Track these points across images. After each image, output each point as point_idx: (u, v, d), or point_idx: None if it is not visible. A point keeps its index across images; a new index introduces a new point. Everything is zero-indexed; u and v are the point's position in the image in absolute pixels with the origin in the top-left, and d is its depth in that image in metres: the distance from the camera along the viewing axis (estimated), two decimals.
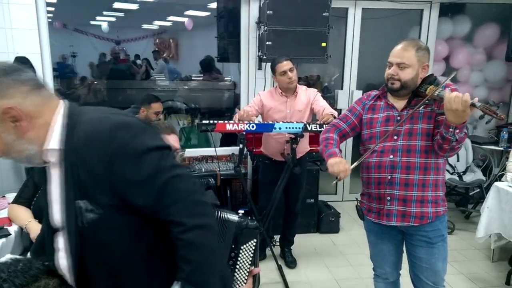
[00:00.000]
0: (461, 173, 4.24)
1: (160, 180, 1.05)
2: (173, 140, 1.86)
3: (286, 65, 3.00)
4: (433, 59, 4.63)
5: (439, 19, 4.67)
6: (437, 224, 2.02)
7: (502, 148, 4.36)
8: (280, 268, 3.23)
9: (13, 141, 1.07)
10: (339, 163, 1.91)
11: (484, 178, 4.27)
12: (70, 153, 1.07)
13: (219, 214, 1.69)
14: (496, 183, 3.16)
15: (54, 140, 1.09)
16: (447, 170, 4.11)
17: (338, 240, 3.91)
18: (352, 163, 2.00)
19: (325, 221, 4.00)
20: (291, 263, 3.41)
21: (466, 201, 4.47)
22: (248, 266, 1.72)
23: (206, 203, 1.14)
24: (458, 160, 4.31)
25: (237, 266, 1.70)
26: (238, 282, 1.72)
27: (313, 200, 3.97)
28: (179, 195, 1.08)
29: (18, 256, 1.17)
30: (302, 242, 3.71)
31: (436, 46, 4.73)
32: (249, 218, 1.72)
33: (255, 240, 1.71)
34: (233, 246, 1.68)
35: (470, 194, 4.47)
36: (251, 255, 1.71)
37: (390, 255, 2.19)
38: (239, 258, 1.69)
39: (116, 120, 1.09)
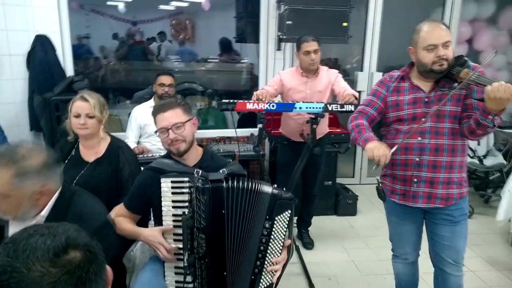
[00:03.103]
0: (482, 157, 4.18)
1: None
2: (166, 116, 1.83)
3: (311, 45, 2.96)
4: (456, 41, 4.52)
5: (463, 0, 4.54)
6: (461, 203, 2.02)
7: None
8: (297, 249, 3.25)
9: (26, 208, 1.43)
10: (379, 147, 1.84)
11: (505, 162, 4.20)
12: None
13: (254, 185, 1.71)
14: None
15: (46, 209, 1.48)
16: (467, 154, 4.05)
17: (355, 222, 3.90)
18: None
19: (342, 203, 3.99)
20: (309, 244, 3.42)
21: (485, 185, 4.41)
22: (283, 237, 1.74)
23: None
24: (478, 144, 4.24)
25: (272, 237, 1.72)
26: (273, 253, 1.73)
27: (330, 182, 3.96)
28: None
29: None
30: (320, 224, 3.71)
31: (460, 28, 4.61)
32: (283, 189, 1.73)
33: (289, 211, 1.73)
34: (267, 217, 1.71)
35: (490, 178, 4.40)
36: (286, 226, 1.73)
37: (411, 236, 2.18)
38: (273, 229, 1.72)
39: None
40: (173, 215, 1.77)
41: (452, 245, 2.03)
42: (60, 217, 1.46)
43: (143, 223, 2.06)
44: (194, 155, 1.93)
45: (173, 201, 1.77)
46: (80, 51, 7.50)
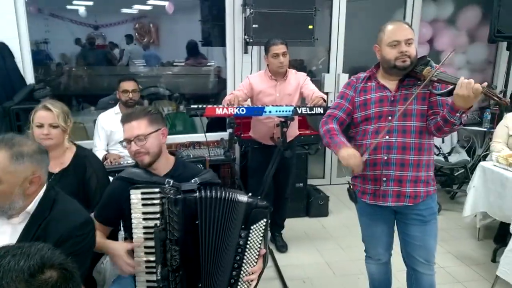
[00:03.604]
0: (447, 154, 4.30)
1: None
2: (130, 127, 1.77)
3: (280, 48, 2.96)
4: (418, 41, 4.64)
5: (423, 2, 4.69)
6: (430, 202, 2.06)
7: (485, 129, 4.44)
8: (271, 253, 3.24)
9: (16, 195, 1.45)
10: (353, 156, 1.86)
11: (468, 159, 4.36)
12: (40, 219, 1.49)
13: (228, 194, 1.69)
14: (482, 163, 3.22)
15: (32, 206, 1.50)
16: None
17: (327, 223, 3.93)
18: None
19: (314, 204, 4.02)
20: (282, 247, 3.42)
21: (451, 181, 4.55)
22: (259, 246, 1.72)
23: None
24: (443, 142, 4.37)
25: (247, 247, 1.70)
26: (249, 262, 1.71)
27: (302, 184, 3.98)
28: None
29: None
30: (292, 226, 3.72)
31: (421, 29, 4.75)
32: (259, 198, 1.71)
33: (265, 220, 1.71)
34: (243, 226, 1.69)
35: (455, 174, 4.55)
36: (261, 235, 1.72)
37: (383, 236, 2.21)
38: (249, 239, 1.70)
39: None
40: (144, 227, 1.72)
41: (423, 245, 2.07)
42: (45, 213, 1.51)
43: (112, 235, 1.99)
44: (165, 164, 1.87)
45: (143, 213, 1.71)
46: (39, 57, 7.24)
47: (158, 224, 1.67)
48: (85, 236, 1.55)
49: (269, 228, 3.43)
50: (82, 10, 8.27)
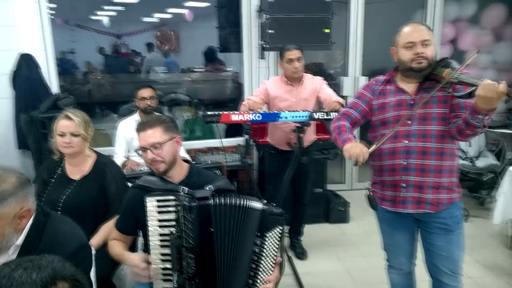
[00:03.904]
0: (474, 158, 4.16)
1: None
2: (145, 135, 1.79)
3: (294, 54, 2.95)
4: (440, 42, 4.53)
5: (444, 1, 4.57)
6: (455, 211, 1.98)
7: None
8: (290, 260, 3.20)
9: (9, 234, 1.39)
10: (355, 146, 1.85)
11: (497, 163, 4.19)
12: (30, 251, 1.42)
13: (242, 201, 1.67)
14: (511, 168, 3.09)
15: (21, 238, 1.44)
16: (459, 156, 4.05)
17: (348, 230, 3.86)
18: None
19: (334, 210, 3.95)
20: (301, 254, 3.37)
21: (479, 187, 4.38)
22: (275, 254, 1.69)
23: None
24: (470, 145, 4.22)
25: (263, 254, 1.68)
26: (265, 270, 1.69)
27: (321, 189, 3.93)
28: None
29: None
30: (312, 232, 3.67)
31: (442, 29, 4.63)
32: (274, 205, 1.69)
33: (280, 228, 1.69)
34: (258, 234, 1.66)
35: (484, 179, 4.37)
36: (277, 243, 1.69)
37: (405, 245, 2.14)
38: (265, 246, 1.68)
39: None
40: (160, 234, 1.72)
41: (448, 255, 1.99)
42: (34, 244, 1.45)
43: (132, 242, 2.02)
44: (179, 172, 1.88)
45: (159, 220, 1.72)
46: (66, 66, 7.47)
47: (173, 232, 1.67)
48: (79, 263, 1.51)
49: (286, 235, 3.45)
50: (105, 20, 8.51)
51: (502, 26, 4.76)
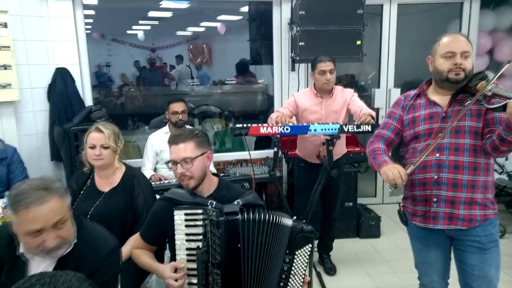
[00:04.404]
0: (510, 173, 4.00)
1: None
2: (177, 149, 1.79)
3: (327, 65, 2.94)
4: (476, 53, 4.40)
5: (480, 11, 4.44)
6: (489, 228, 1.90)
7: None
8: (319, 275, 3.15)
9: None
10: (391, 168, 1.80)
11: None
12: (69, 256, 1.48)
13: (271, 216, 1.65)
14: None
15: None
16: (495, 170, 3.89)
17: (379, 245, 3.76)
18: None
19: (365, 225, 3.87)
20: (331, 270, 3.31)
21: None
22: (303, 272, 1.66)
23: None
24: (506, 159, 4.07)
25: (292, 272, 1.65)
26: None
27: (351, 203, 3.85)
28: None
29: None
30: (342, 247, 3.60)
31: (479, 40, 4.49)
32: (304, 221, 1.66)
33: (310, 246, 1.65)
34: (287, 251, 1.63)
35: None
36: (306, 260, 1.65)
37: (437, 263, 2.07)
38: (294, 264, 1.64)
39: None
40: (187, 248, 1.72)
41: (483, 275, 1.91)
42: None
43: (158, 254, 2.03)
44: (209, 186, 1.88)
45: (186, 234, 1.72)
46: (102, 79, 7.74)
47: (200, 246, 1.66)
48: (113, 265, 1.57)
49: (315, 250, 3.39)
50: (140, 34, 8.77)
51: None
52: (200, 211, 1.69)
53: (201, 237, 1.68)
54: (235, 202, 1.73)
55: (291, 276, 1.64)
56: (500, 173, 4.00)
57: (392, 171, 1.78)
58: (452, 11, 4.53)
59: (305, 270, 1.66)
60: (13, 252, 1.48)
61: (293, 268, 1.64)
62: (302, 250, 1.64)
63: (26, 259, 1.47)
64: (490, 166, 1.91)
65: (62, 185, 1.48)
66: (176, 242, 1.73)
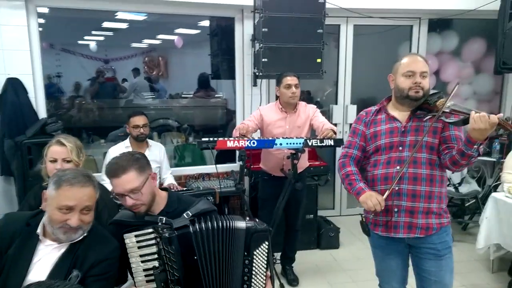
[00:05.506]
0: (457, 185, 4.28)
1: None
2: (120, 182, 1.69)
3: (293, 80, 3.04)
4: None
5: (428, 34, 4.78)
6: (444, 236, 2.05)
7: (494, 159, 4.42)
8: (282, 287, 3.18)
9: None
10: (369, 196, 1.94)
11: (479, 189, 4.32)
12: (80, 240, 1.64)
13: (225, 222, 1.65)
14: (494, 194, 3.20)
15: None
16: None
17: (339, 255, 3.87)
18: None
19: (325, 236, 3.97)
20: (293, 281, 3.36)
21: (462, 212, 4.49)
22: (264, 270, 1.67)
23: None
24: (452, 172, 4.33)
25: (254, 272, 1.66)
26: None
27: (312, 215, 3.94)
28: None
29: None
30: (303, 259, 3.66)
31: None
32: (257, 220, 1.68)
33: (267, 243, 1.67)
34: (245, 253, 1.65)
35: (466, 205, 4.50)
36: (265, 258, 1.67)
37: (397, 270, 2.18)
38: (254, 264, 1.66)
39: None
40: (144, 269, 1.66)
41: (439, 280, 2.04)
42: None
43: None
44: (159, 203, 1.82)
45: (141, 256, 1.66)
46: (51, 90, 7.41)
47: (157, 266, 1.62)
48: (116, 260, 1.69)
49: (278, 262, 3.41)
50: (93, 45, 8.53)
51: (482, 58, 4.98)
52: (150, 230, 1.64)
53: (156, 255, 1.64)
54: (185, 215, 1.69)
55: (253, 276, 1.66)
56: (448, 185, 4.25)
57: (371, 199, 1.92)
58: (403, 33, 4.82)
59: (266, 268, 1.68)
60: (28, 232, 1.64)
61: (253, 268, 1.66)
62: (260, 249, 1.66)
63: (38, 241, 1.63)
64: (444, 178, 2.07)
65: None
66: (132, 265, 1.67)
